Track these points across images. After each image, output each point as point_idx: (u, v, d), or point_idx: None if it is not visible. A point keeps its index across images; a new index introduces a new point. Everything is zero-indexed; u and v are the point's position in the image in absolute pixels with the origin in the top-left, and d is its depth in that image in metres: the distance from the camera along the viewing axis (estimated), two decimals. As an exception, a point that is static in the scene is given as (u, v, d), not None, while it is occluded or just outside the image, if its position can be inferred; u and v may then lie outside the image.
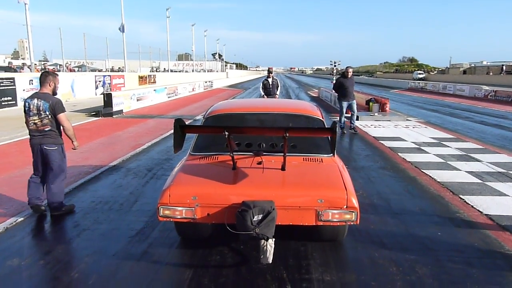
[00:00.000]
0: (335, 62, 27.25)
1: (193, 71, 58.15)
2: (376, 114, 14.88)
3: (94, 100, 19.88)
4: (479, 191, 5.86)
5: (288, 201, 3.46)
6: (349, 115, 11.92)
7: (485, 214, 4.93)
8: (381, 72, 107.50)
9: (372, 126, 12.78)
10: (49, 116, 4.67)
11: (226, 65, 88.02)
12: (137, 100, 18.83)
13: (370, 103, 17.08)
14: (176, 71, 53.38)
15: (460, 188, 6.02)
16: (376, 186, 6.16)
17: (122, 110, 16.38)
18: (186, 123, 3.96)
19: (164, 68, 48.75)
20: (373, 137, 10.76)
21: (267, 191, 3.48)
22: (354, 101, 11.59)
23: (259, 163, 3.95)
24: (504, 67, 56.32)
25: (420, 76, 66.59)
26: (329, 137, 3.99)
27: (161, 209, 3.52)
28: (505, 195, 5.72)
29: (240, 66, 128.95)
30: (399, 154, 8.48)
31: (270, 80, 12.69)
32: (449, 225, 4.62)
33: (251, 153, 4.15)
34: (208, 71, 64.60)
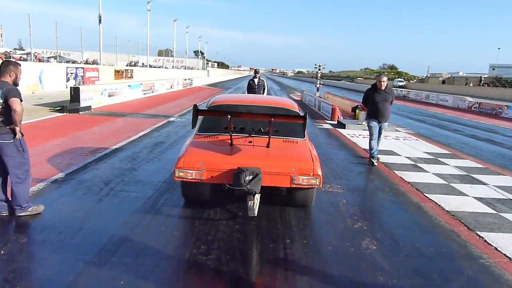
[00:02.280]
0: (319, 66, 26.34)
1: (173, 67, 56.58)
2: (363, 123, 13.98)
3: (64, 93, 18.28)
4: (497, 226, 4.95)
5: (271, 168, 4.53)
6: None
7: (516, 262, 4.00)
8: (361, 78, 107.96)
9: (360, 136, 11.88)
10: (3, 105, 4.19)
11: (207, 63, 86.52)
12: (109, 95, 17.48)
13: (357, 111, 16.22)
14: (156, 67, 51.69)
15: (474, 220, 5.10)
16: (377, 216, 5.20)
17: (90, 106, 15.04)
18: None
19: (143, 63, 47.10)
20: (364, 149, 9.83)
21: (256, 160, 4.56)
22: (387, 123, 8.19)
23: (250, 142, 5.11)
24: (482, 79, 56.98)
25: (401, 83, 66.85)
26: (301, 123, 5.15)
27: (177, 171, 4.53)
28: (528, 232, 4.82)
29: (221, 65, 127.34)
30: (395, 171, 7.56)
31: (256, 80, 11.90)
32: (479, 279, 3.65)
33: (245, 135, 5.28)
34: (188, 69, 63.11)
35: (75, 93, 14.44)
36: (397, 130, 13.71)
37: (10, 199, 4.47)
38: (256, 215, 4.39)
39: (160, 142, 9.30)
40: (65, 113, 13.51)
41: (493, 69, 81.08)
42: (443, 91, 45.22)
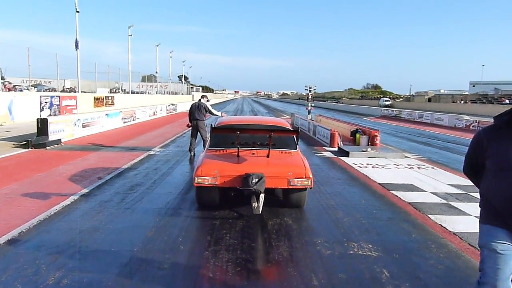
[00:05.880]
0: (310, 87, 25.14)
1: (157, 93, 55.08)
2: (369, 149, 12.57)
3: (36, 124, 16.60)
4: None
5: (272, 173, 5.61)
6: None
7: None
8: (346, 98, 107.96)
9: (369, 166, 10.38)
10: None
11: (192, 88, 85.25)
12: (83, 126, 15.80)
13: (357, 135, 14.90)
14: (139, 93, 50.05)
15: None
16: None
17: (60, 139, 13.30)
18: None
19: (125, 90, 45.49)
20: (379, 183, 8.33)
21: (259, 167, 5.66)
22: None
23: (253, 153, 6.30)
24: (465, 99, 56.87)
25: (387, 103, 66.53)
26: (294, 136, 6.80)
27: (196, 178, 5.58)
28: None
29: (206, 89, 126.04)
30: (430, 216, 6.07)
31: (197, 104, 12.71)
32: None
33: (248, 147, 6.42)
34: (173, 93, 61.68)
35: (42, 125, 12.74)
36: (406, 157, 12.27)
37: None
38: (260, 213, 5.38)
39: (136, 184, 7.63)
40: (30, 149, 11.76)
41: (473, 86, 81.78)
42: (431, 109, 44.63)
